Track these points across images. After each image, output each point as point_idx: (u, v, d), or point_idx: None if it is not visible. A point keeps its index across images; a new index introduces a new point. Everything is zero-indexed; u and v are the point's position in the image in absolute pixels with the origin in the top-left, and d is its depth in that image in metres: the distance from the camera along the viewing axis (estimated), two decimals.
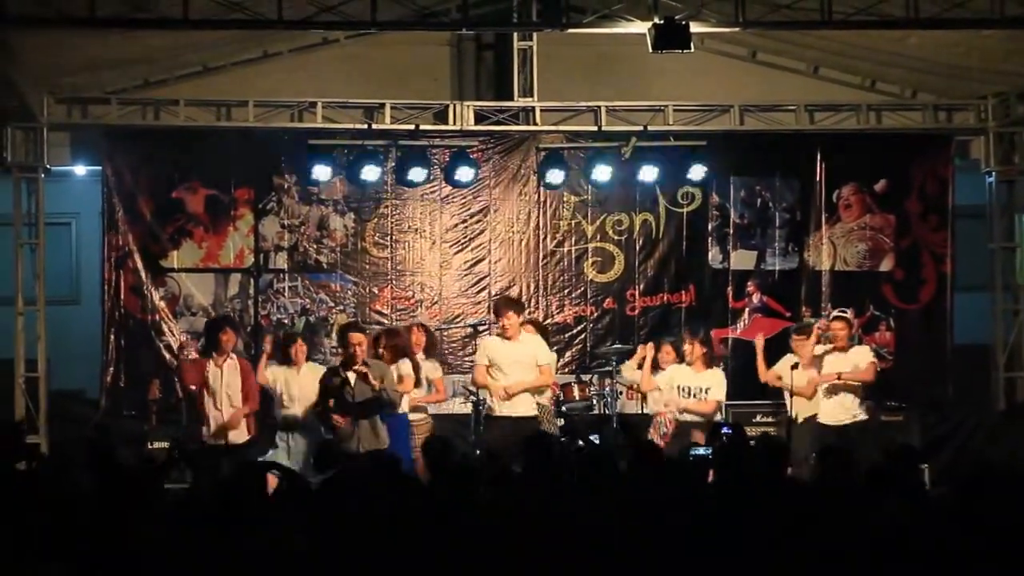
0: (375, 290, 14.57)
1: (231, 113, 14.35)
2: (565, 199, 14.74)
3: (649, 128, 14.33)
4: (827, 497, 6.86)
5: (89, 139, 14.43)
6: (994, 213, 15.10)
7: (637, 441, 9.55)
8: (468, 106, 14.53)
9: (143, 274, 14.19)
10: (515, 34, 14.31)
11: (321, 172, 14.04)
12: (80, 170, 14.92)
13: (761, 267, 14.88)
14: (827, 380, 12.46)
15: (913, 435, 13.93)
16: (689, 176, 14.41)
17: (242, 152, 14.29)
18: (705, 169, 14.34)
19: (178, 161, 14.29)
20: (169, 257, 14.29)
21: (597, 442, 12.40)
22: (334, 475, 7.27)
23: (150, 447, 12.98)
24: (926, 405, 14.67)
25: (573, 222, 14.76)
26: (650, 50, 11.87)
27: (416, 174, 14.17)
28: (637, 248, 14.77)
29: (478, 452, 12.17)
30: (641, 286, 14.78)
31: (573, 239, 14.75)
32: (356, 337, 11.46)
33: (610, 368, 13.71)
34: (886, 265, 14.93)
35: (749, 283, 14.84)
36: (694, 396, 12.46)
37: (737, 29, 12.62)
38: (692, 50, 11.97)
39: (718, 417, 12.44)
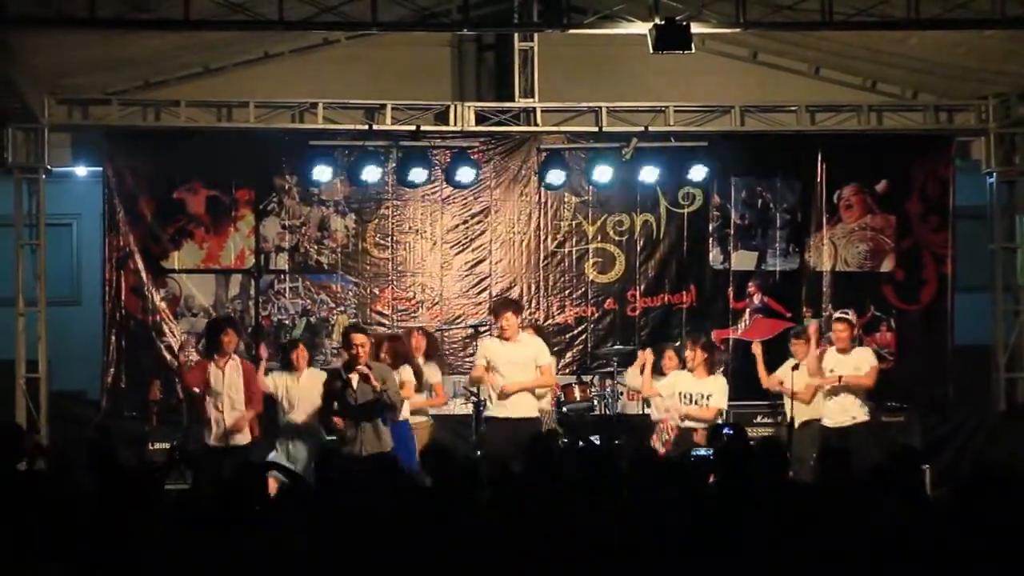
0: (376, 291, 14.57)
1: (232, 114, 14.35)
2: (566, 200, 14.74)
3: (650, 129, 14.33)
4: (827, 497, 6.86)
5: (90, 140, 14.44)
6: (995, 214, 15.10)
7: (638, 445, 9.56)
8: (469, 107, 14.53)
9: (144, 275, 14.20)
10: (516, 35, 14.32)
11: (322, 173, 14.04)
12: (81, 171, 14.92)
13: (762, 268, 14.89)
14: (827, 383, 12.45)
15: (914, 436, 13.94)
16: (690, 177, 14.41)
17: (243, 153, 14.30)
18: (706, 170, 14.34)
19: (179, 162, 14.30)
20: (170, 258, 14.30)
21: (597, 443, 12.43)
22: (334, 475, 7.26)
23: (151, 447, 12.98)
24: (927, 406, 14.68)
25: (574, 223, 14.76)
26: (651, 51, 11.86)
27: (417, 175, 14.17)
28: (638, 249, 14.77)
29: (479, 453, 12.16)
30: (642, 287, 14.78)
31: (574, 240, 14.76)
32: (358, 338, 11.45)
33: (611, 369, 13.71)
34: (887, 266, 14.93)
35: (750, 284, 14.84)
36: (696, 403, 12.43)
37: (738, 30, 12.62)
38: (693, 51, 11.96)
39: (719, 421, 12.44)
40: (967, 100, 14.94)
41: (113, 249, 14.20)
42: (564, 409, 13.20)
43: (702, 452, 10.53)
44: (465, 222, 14.67)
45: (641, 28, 11.97)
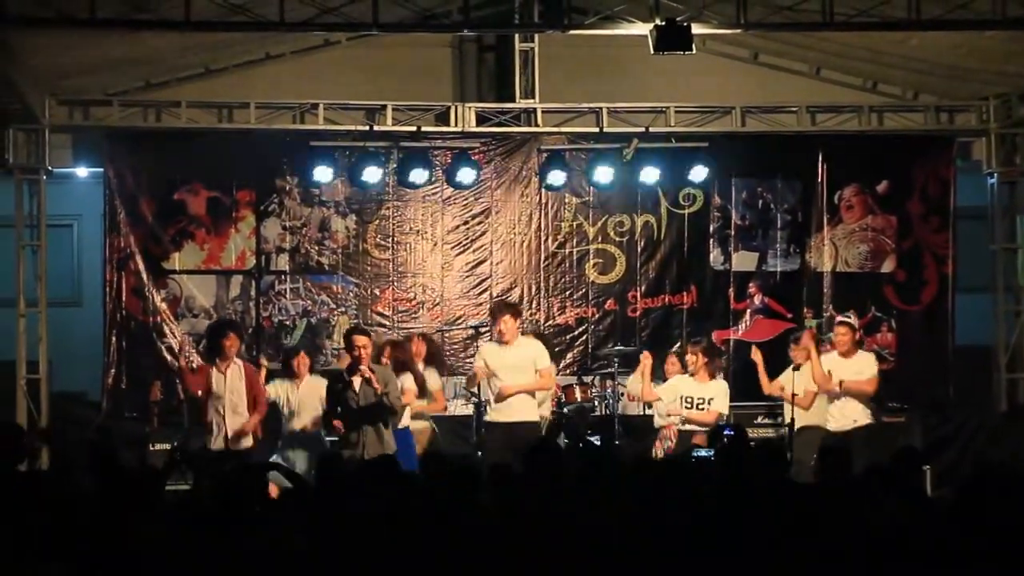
0: (377, 292, 14.57)
1: (233, 115, 14.35)
2: (567, 200, 14.75)
3: (651, 129, 14.34)
4: (827, 497, 6.86)
5: (91, 141, 14.45)
6: (995, 214, 15.10)
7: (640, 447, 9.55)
8: (470, 107, 14.53)
9: (145, 276, 14.20)
10: (516, 35, 14.32)
11: (323, 174, 14.04)
12: (82, 172, 14.92)
13: (763, 268, 14.89)
14: (828, 388, 12.42)
15: (915, 436, 13.94)
16: (690, 177, 14.41)
17: (244, 154, 14.31)
18: (707, 170, 14.34)
19: (180, 163, 14.31)
20: (171, 259, 14.30)
21: (598, 443, 12.43)
22: (334, 475, 7.27)
23: (152, 448, 12.97)
24: (927, 406, 14.69)
25: (575, 223, 14.76)
26: (652, 51, 11.85)
27: (417, 176, 14.17)
28: (639, 249, 14.77)
29: (479, 454, 12.16)
30: (642, 287, 14.78)
31: (575, 240, 14.76)
32: (361, 340, 11.47)
33: (612, 370, 13.71)
34: (888, 266, 14.93)
35: (751, 284, 14.84)
36: (697, 407, 12.42)
37: (739, 31, 12.63)
38: (693, 51, 11.96)
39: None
40: (968, 101, 14.94)
41: (114, 250, 14.20)
42: (565, 410, 13.19)
43: (703, 453, 10.52)
44: (466, 223, 14.67)
45: (642, 29, 11.97)
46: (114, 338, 14.16)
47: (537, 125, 14.60)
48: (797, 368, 12.61)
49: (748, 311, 14.82)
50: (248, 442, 11.88)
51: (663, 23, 11.74)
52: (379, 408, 11.21)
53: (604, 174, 14.28)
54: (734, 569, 5.87)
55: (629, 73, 14.47)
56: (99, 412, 14.06)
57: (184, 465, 8.34)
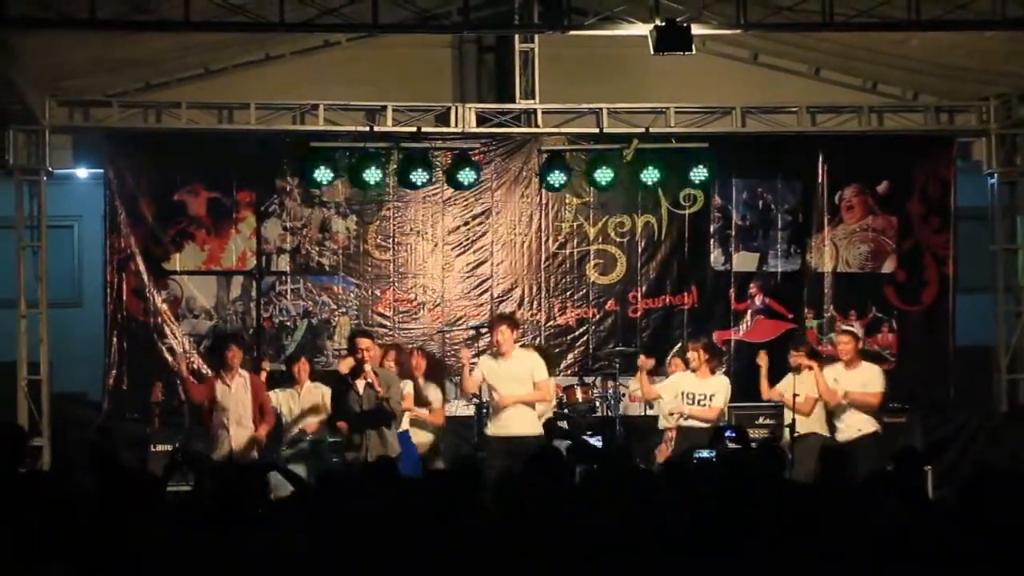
0: (377, 292, 14.57)
1: (233, 115, 14.35)
2: (567, 201, 14.74)
3: (651, 130, 14.33)
4: (827, 497, 6.86)
5: (91, 142, 14.45)
6: (996, 215, 15.09)
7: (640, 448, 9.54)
8: (470, 108, 14.52)
9: (145, 277, 14.20)
10: (516, 36, 14.32)
11: (323, 174, 14.02)
12: (82, 173, 14.92)
13: (763, 269, 14.88)
14: (836, 402, 12.39)
15: (915, 437, 13.93)
16: (691, 178, 14.39)
17: (244, 154, 14.31)
18: (707, 171, 14.33)
19: (180, 164, 14.30)
20: (171, 260, 14.30)
21: (599, 444, 12.42)
22: (334, 475, 7.27)
23: (153, 449, 12.97)
24: (928, 407, 14.68)
25: (575, 224, 14.76)
26: (652, 52, 11.86)
27: (418, 176, 14.15)
28: (639, 250, 14.77)
29: (479, 454, 12.16)
30: (643, 288, 14.78)
31: (575, 241, 14.76)
32: (364, 342, 11.50)
33: (612, 370, 13.71)
34: (888, 267, 14.93)
35: (751, 285, 14.84)
36: (698, 403, 12.44)
37: (739, 31, 12.63)
38: (693, 52, 11.97)
39: (721, 422, 12.43)
40: (968, 101, 14.93)
41: (114, 251, 14.20)
42: (565, 411, 13.18)
43: (704, 454, 10.51)
44: (466, 223, 14.67)
45: (642, 29, 11.97)
46: (115, 339, 14.16)
47: (537, 126, 14.60)
48: (798, 372, 12.59)
49: (749, 311, 14.81)
50: (254, 455, 11.83)
51: (663, 24, 11.74)
52: (381, 411, 11.22)
53: (604, 175, 14.26)
54: (735, 570, 5.87)
55: (629, 74, 14.47)
56: (100, 413, 14.06)
57: (185, 466, 8.36)
